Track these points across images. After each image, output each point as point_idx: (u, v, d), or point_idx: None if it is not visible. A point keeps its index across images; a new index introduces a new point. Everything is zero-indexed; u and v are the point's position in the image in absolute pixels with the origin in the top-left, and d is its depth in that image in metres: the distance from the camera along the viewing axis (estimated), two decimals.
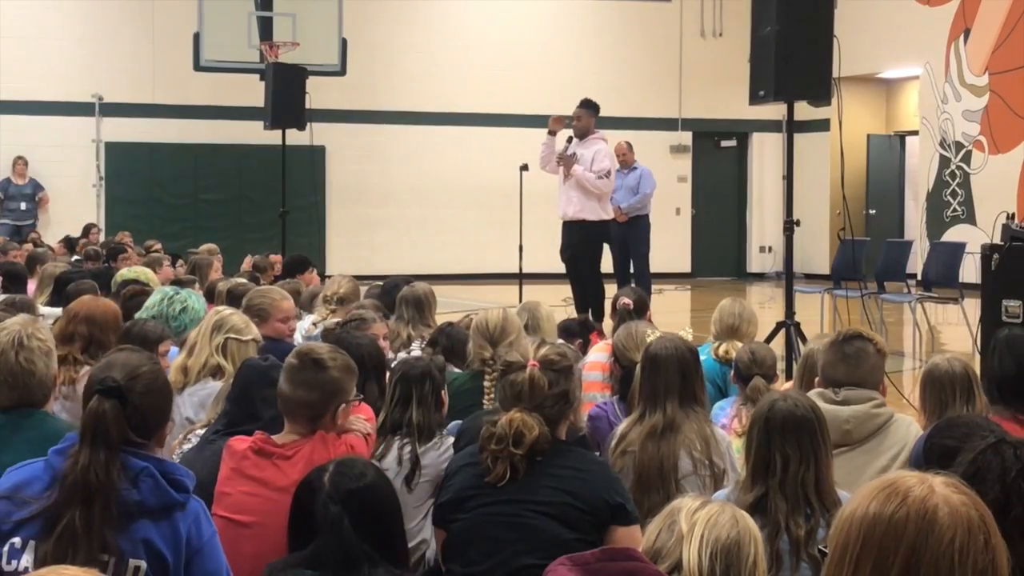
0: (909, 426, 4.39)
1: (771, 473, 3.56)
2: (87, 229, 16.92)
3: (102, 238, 16.47)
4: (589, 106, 11.98)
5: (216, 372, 5.12)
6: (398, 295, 6.99)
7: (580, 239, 11.71)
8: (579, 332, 7.54)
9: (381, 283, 8.37)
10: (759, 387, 5.26)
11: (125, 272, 8.62)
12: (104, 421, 3.03)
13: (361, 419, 4.25)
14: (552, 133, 12.10)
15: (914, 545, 1.98)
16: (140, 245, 14.69)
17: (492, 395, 5.16)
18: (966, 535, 1.98)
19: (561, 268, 12.11)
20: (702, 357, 4.82)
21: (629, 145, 14.28)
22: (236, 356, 5.10)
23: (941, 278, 12.84)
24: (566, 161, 11.66)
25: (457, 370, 5.59)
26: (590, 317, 11.01)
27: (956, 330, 12.43)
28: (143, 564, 3.00)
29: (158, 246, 13.98)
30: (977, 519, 2.01)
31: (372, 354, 4.86)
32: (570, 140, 11.86)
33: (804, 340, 8.54)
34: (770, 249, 22.44)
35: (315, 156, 19.39)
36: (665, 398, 4.46)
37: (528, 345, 5.35)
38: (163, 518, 3.05)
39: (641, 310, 7.17)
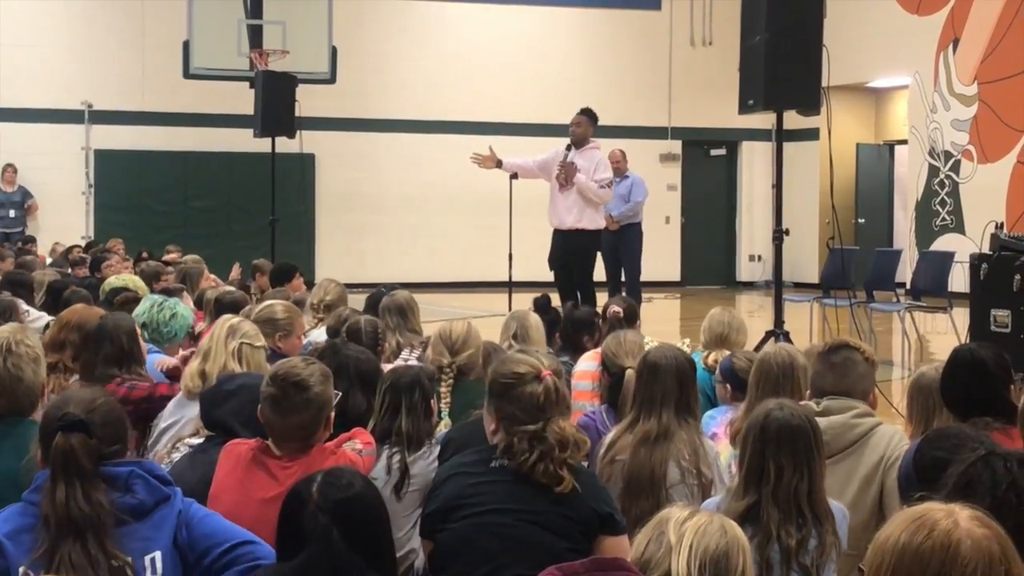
0: (892, 436, 4.36)
1: (764, 482, 3.56)
2: (89, 247, 16.76)
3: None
4: (589, 115, 11.93)
5: None
6: (380, 306, 6.98)
7: (579, 248, 11.66)
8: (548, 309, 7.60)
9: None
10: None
11: (113, 280, 8.62)
12: (74, 455, 3.08)
13: (357, 443, 4.25)
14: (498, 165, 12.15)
15: (938, 574, 2.14)
16: (133, 252, 14.66)
17: (447, 399, 5.25)
18: (987, 568, 2.14)
19: (551, 276, 12.08)
20: None
21: (623, 153, 14.23)
22: (250, 362, 5.10)
23: (930, 287, 12.85)
24: (568, 170, 11.57)
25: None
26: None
27: (945, 339, 12.43)
28: (156, 554, 3.11)
29: (176, 254, 13.94)
30: (999, 552, 2.17)
31: (359, 366, 4.84)
32: (569, 148, 11.77)
33: None
34: (759, 258, 22.47)
35: (305, 164, 19.38)
36: (661, 406, 4.48)
37: (480, 357, 5.38)
38: (155, 513, 3.16)
39: (631, 319, 7.17)
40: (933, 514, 2.21)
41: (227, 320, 5.34)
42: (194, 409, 4.99)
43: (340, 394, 4.20)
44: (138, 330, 5.65)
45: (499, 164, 12.23)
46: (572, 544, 3.61)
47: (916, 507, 2.26)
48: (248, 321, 5.45)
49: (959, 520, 2.19)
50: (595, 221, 11.77)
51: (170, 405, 5.18)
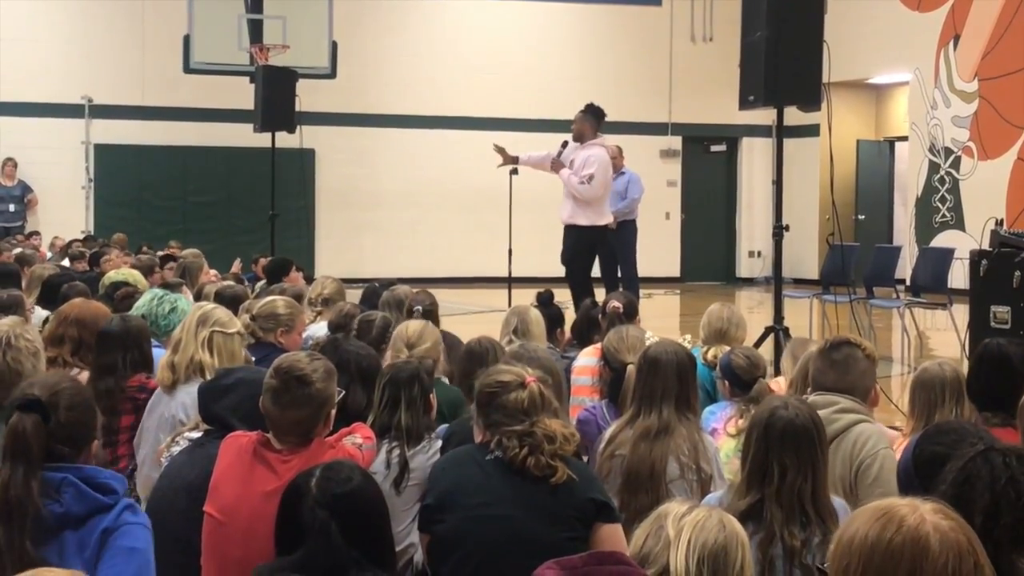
0: (869, 438, 4.30)
1: (768, 481, 3.54)
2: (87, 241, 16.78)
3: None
4: (588, 111, 11.92)
5: (200, 369, 5.05)
6: (379, 300, 6.98)
7: (572, 243, 11.72)
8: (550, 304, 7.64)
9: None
10: (766, 390, 5.24)
11: (113, 275, 8.61)
12: (24, 437, 2.99)
13: (358, 437, 4.25)
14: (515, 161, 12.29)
15: (911, 571, 2.13)
16: (133, 247, 14.66)
17: None
18: (957, 560, 2.13)
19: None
20: None
21: (620, 149, 14.19)
22: (222, 350, 5.08)
23: (930, 284, 12.83)
24: (555, 164, 11.70)
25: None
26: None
27: (945, 336, 12.44)
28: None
29: (177, 249, 13.92)
30: (966, 543, 2.16)
31: (360, 362, 4.83)
32: (565, 144, 11.82)
33: None
34: (759, 254, 22.45)
35: (305, 159, 19.37)
36: (662, 401, 4.50)
37: (438, 351, 5.44)
38: (84, 526, 3.01)
39: (631, 314, 7.17)
40: (898, 509, 2.19)
41: (199, 308, 5.30)
42: (170, 403, 4.98)
43: (343, 392, 4.20)
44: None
45: (516, 161, 12.26)
46: (571, 533, 3.62)
47: (878, 503, 2.25)
48: (221, 308, 5.43)
49: (924, 514, 2.17)
50: (590, 218, 11.74)
51: (149, 404, 5.14)
